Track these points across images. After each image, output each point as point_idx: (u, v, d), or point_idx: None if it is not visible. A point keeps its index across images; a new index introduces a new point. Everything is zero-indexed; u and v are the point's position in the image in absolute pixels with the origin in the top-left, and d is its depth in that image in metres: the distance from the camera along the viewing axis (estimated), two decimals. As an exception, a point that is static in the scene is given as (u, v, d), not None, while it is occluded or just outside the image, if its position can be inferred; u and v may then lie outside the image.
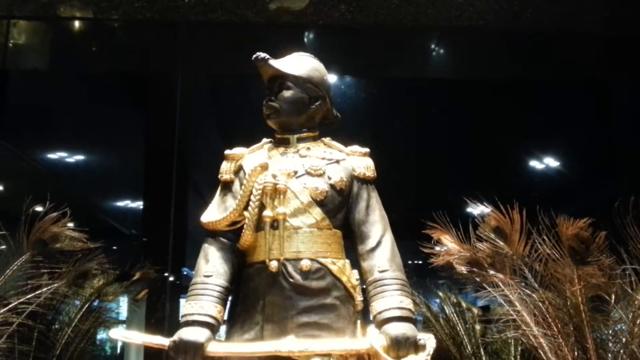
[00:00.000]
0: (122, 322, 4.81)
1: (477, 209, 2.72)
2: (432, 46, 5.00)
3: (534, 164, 5.85)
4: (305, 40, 4.86)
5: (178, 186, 5.64)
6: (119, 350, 6.79)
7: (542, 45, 4.74)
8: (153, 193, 5.86)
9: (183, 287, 5.77)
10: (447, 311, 3.93)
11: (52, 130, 6.00)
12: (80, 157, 6.46)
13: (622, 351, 2.27)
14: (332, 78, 5.19)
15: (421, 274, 3.90)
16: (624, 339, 2.25)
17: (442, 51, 5.04)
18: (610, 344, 2.39)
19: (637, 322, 2.21)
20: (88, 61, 5.70)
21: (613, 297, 2.27)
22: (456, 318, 3.88)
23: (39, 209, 3.61)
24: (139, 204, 6.46)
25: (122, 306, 5.10)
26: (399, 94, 5.53)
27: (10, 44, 5.46)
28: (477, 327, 3.81)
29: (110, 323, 3.94)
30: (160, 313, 5.16)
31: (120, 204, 6.92)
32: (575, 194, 5.56)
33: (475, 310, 3.92)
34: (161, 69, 5.72)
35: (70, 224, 2.91)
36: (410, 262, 3.44)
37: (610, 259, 2.23)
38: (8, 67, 5.53)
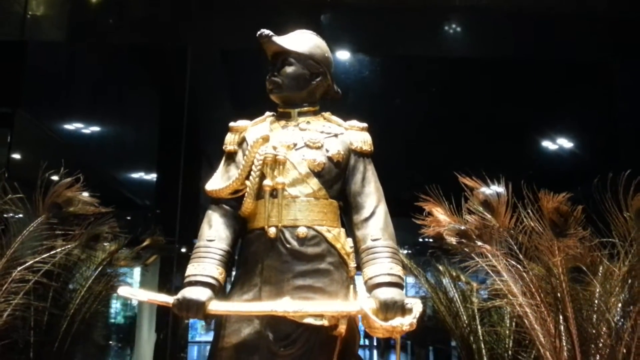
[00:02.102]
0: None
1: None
2: (437, 25, 5.05)
3: (533, 142, 5.95)
4: (313, 17, 4.92)
5: (189, 159, 5.78)
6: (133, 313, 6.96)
7: (544, 25, 4.79)
8: (165, 165, 6.01)
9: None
10: (444, 283, 4.06)
11: (68, 100, 6.13)
12: (95, 128, 6.58)
13: (600, 320, 2.40)
14: (342, 54, 5.27)
15: (423, 249, 4.00)
16: (602, 308, 2.38)
17: (446, 30, 5.09)
18: (594, 316, 2.51)
19: (614, 293, 2.34)
20: (104, 33, 5.80)
21: (591, 268, 2.41)
22: (454, 290, 4.01)
23: (54, 177, 3.77)
24: (152, 176, 6.62)
25: (135, 276, 5.26)
26: (403, 71, 5.60)
27: (29, 16, 5.58)
28: (475, 299, 3.93)
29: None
30: (172, 283, 5.33)
31: (135, 175, 7.06)
32: (572, 172, 5.66)
33: (474, 284, 4.03)
34: (175, 42, 5.81)
35: (85, 193, 3.07)
36: (421, 240, 3.58)
37: (586, 231, 2.36)
38: (26, 38, 5.64)
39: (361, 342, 2.54)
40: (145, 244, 3.87)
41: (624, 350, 2.34)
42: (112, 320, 6.86)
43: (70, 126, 6.36)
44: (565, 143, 5.91)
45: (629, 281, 2.34)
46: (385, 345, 10.18)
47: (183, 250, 5.57)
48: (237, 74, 6.16)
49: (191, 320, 6.86)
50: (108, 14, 5.69)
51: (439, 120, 5.67)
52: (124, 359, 7.23)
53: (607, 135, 5.53)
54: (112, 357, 6.97)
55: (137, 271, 5.08)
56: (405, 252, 4.20)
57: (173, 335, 5.57)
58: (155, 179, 6.48)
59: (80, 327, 3.57)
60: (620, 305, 2.37)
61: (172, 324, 5.56)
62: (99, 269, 3.68)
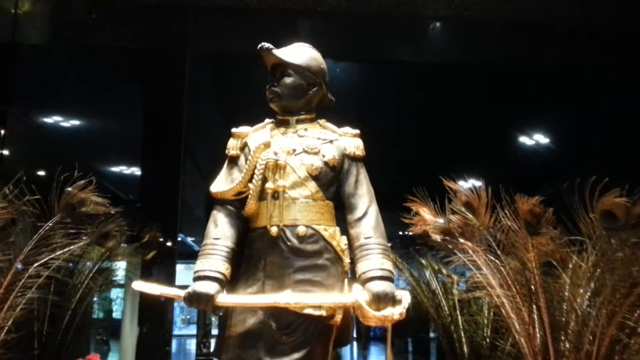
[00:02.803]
0: (122, 285, 4.95)
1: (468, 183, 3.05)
2: (423, 32, 5.25)
3: (511, 142, 6.22)
4: (303, 25, 5.08)
5: (175, 156, 5.91)
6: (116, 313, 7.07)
7: (522, 33, 5.05)
8: (151, 161, 6.11)
9: (179, 252, 6.07)
10: (427, 276, 4.27)
11: (58, 99, 6.25)
12: (82, 125, 6.69)
13: (569, 309, 2.65)
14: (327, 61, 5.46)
15: (406, 244, 4.22)
16: (571, 299, 2.63)
17: (432, 37, 5.30)
18: (564, 305, 2.75)
19: (581, 285, 2.58)
20: (91, 33, 5.89)
21: (561, 263, 2.66)
22: (436, 282, 4.21)
23: (41, 173, 3.92)
24: (136, 171, 6.74)
25: (120, 269, 5.37)
26: (389, 77, 5.80)
27: (20, 12, 5.64)
28: (455, 291, 4.14)
29: (115, 284, 4.29)
30: (155, 277, 5.44)
31: (120, 170, 7.19)
32: (548, 172, 5.93)
33: (455, 277, 4.23)
34: (162, 43, 5.91)
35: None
36: (400, 232, 3.79)
37: (557, 230, 2.60)
38: (18, 39, 5.71)
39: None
40: (144, 240, 4.04)
41: (590, 337, 2.57)
42: (93, 315, 6.95)
43: (58, 123, 6.47)
44: (540, 144, 6.19)
45: (595, 275, 2.57)
46: (366, 337, 10.42)
47: (169, 244, 5.67)
48: (222, 74, 6.30)
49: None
50: (95, 14, 5.76)
51: (424, 123, 5.91)
52: (106, 351, 7.36)
53: (579, 138, 5.82)
54: (95, 350, 7.10)
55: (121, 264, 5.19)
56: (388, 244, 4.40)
57: (158, 328, 5.67)
58: (139, 174, 6.59)
59: (83, 319, 3.74)
60: (587, 296, 2.58)
61: (156, 318, 5.69)
62: (99, 264, 3.84)
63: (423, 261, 4.19)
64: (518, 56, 5.35)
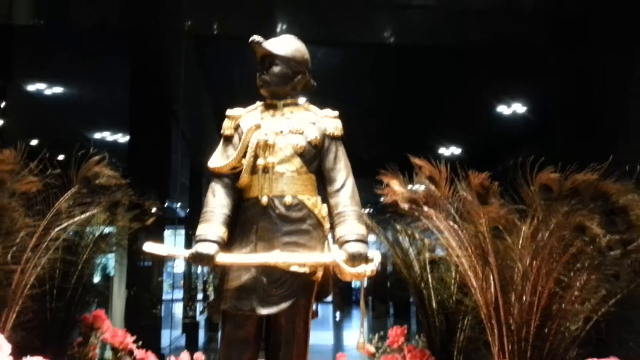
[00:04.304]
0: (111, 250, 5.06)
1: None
2: (399, 15, 5.57)
3: (475, 114, 6.62)
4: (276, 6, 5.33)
5: (163, 126, 6.19)
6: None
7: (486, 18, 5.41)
8: (137, 128, 6.31)
9: (167, 218, 6.38)
10: (400, 240, 4.64)
11: (51, 70, 6.48)
12: (72, 94, 6.93)
13: (513, 267, 3.07)
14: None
15: (382, 211, 4.60)
16: (515, 258, 3.06)
17: (406, 20, 5.63)
18: (511, 263, 3.16)
19: (524, 246, 3.01)
20: (84, 12, 6.09)
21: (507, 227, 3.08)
22: (408, 245, 4.59)
23: (34, 141, 4.23)
24: (117, 137, 7.01)
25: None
26: (368, 58, 6.15)
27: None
28: (427, 254, 4.52)
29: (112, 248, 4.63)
30: (142, 243, 5.71)
31: (108, 138, 7.46)
32: (504, 143, 6.38)
33: (426, 241, 4.59)
34: (154, 19, 6.09)
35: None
36: (382, 200, 4.16)
37: (503, 200, 3.03)
38: (13, 19, 5.88)
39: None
40: (145, 207, 4.38)
41: (532, 289, 2.99)
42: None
43: (54, 95, 6.71)
44: (508, 117, 6.61)
45: (535, 238, 2.92)
46: (347, 302, 10.86)
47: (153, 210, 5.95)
48: (207, 49, 6.53)
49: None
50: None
51: (401, 101, 6.24)
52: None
53: (542, 113, 6.24)
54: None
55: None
56: (367, 210, 4.71)
57: (146, 292, 5.98)
58: (127, 142, 6.84)
59: (90, 280, 4.13)
60: (528, 255, 2.95)
61: (145, 282, 6.01)
62: (102, 229, 4.18)
63: (398, 226, 4.43)
64: (488, 38, 5.70)
